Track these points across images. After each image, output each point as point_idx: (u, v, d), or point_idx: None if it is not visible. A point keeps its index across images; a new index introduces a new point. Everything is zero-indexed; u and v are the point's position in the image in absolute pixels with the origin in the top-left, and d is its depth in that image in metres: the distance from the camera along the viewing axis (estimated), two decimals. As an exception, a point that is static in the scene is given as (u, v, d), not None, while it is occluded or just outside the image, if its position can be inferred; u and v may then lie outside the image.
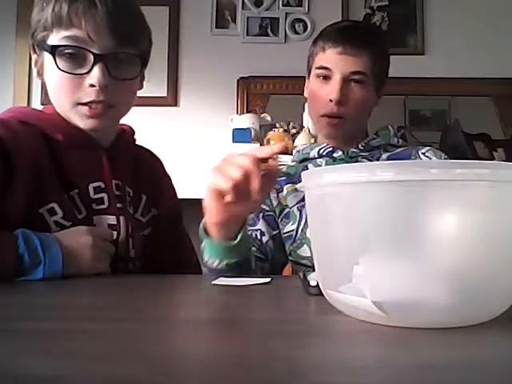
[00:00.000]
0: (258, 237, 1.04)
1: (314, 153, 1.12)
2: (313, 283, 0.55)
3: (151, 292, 0.65)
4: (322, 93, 1.05)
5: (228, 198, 0.70)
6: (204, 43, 2.61)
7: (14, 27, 2.59)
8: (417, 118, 2.63)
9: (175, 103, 2.60)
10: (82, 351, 0.33)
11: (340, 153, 1.09)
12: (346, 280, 0.40)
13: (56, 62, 0.78)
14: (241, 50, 2.62)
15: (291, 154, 2.16)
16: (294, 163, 1.20)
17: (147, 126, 2.19)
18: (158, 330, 0.42)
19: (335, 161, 1.09)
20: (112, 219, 0.85)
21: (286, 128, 2.31)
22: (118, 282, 0.75)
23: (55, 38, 0.79)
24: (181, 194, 1.07)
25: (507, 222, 0.39)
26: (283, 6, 2.65)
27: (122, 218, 0.87)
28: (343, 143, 1.10)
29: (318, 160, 1.12)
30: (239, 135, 2.16)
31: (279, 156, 0.71)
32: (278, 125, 2.30)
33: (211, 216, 0.75)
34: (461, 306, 0.38)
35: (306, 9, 2.64)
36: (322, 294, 0.46)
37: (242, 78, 2.59)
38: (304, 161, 1.15)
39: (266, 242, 1.04)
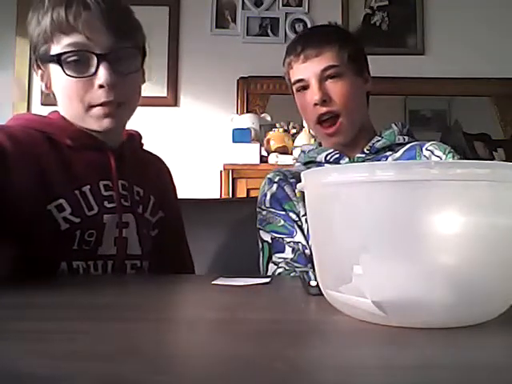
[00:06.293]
0: (301, 249, 1.02)
1: (321, 157, 1.11)
2: (313, 283, 0.55)
3: (151, 292, 0.65)
4: (307, 102, 1.05)
5: None
6: (204, 43, 2.61)
7: (13, 27, 2.59)
8: (417, 118, 2.63)
9: (175, 103, 2.59)
10: (81, 351, 0.33)
11: (347, 159, 1.08)
12: (346, 280, 0.40)
13: (63, 70, 0.80)
14: (241, 50, 2.62)
15: (291, 153, 2.17)
16: (298, 164, 1.18)
17: (147, 126, 2.19)
18: (158, 329, 0.41)
19: None
20: (122, 217, 0.86)
21: (286, 128, 2.31)
22: (117, 282, 0.75)
23: (57, 48, 0.81)
24: (180, 194, 1.07)
25: (507, 221, 0.39)
26: (283, 6, 2.65)
27: (130, 215, 0.88)
28: (350, 147, 1.08)
29: (325, 165, 1.10)
30: (239, 135, 2.16)
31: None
32: (277, 125, 2.30)
33: None
34: (461, 305, 0.38)
35: (306, 9, 2.64)
36: (322, 294, 0.46)
37: (241, 77, 2.58)
38: (309, 163, 1.14)
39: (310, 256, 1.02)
